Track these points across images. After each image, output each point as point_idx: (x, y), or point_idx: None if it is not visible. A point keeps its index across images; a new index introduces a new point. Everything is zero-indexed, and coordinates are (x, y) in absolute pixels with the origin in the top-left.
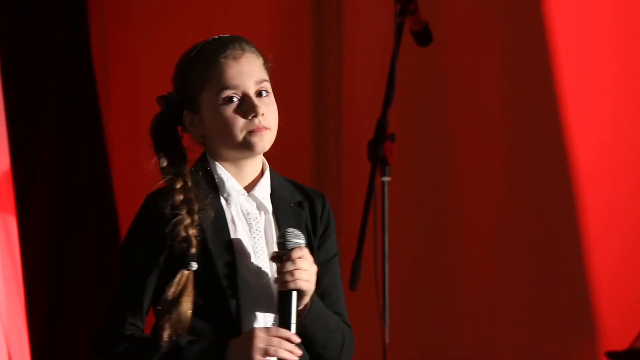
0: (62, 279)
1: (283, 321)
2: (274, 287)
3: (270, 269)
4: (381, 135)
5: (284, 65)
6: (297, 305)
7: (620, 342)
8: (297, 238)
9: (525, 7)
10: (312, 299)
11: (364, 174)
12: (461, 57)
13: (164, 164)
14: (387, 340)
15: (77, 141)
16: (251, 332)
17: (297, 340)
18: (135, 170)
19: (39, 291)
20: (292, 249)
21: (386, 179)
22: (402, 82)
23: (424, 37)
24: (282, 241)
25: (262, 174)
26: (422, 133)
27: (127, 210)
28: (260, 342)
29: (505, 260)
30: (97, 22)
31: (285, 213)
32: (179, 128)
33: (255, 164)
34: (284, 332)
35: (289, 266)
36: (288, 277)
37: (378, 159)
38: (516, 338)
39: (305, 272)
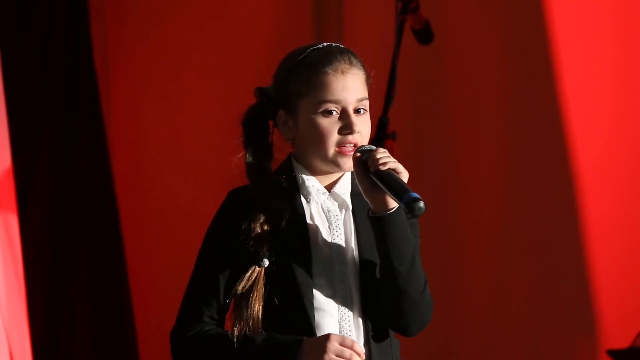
0: (62, 279)
1: (399, 188)
2: (350, 282)
3: (347, 265)
4: (382, 134)
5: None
6: None
7: (621, 341)
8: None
9: (526, 6)
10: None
11: None
12: (462, 55)
13: (250, 159)
14: None
15: (77, 141)
16: (326, 338)
17: (364, 358)
18: (135, 170)
19: (40, 290)
20: (374, 148)
21: None
22: (403, 81)
23: (425, 35)
24: (361, 149)
25: (343, 175)
26: (423, 131)
27: (127, 210)
28: (332, 350)
29: (506, 260)
30: (97, 22)
31: (363, 210)
32: (270, 123)
33: (340, 173)
34: (357, 346)
35: (382, 153)
36: (385, 158)
37: None
38: (517, 337)
39: (395, 160)
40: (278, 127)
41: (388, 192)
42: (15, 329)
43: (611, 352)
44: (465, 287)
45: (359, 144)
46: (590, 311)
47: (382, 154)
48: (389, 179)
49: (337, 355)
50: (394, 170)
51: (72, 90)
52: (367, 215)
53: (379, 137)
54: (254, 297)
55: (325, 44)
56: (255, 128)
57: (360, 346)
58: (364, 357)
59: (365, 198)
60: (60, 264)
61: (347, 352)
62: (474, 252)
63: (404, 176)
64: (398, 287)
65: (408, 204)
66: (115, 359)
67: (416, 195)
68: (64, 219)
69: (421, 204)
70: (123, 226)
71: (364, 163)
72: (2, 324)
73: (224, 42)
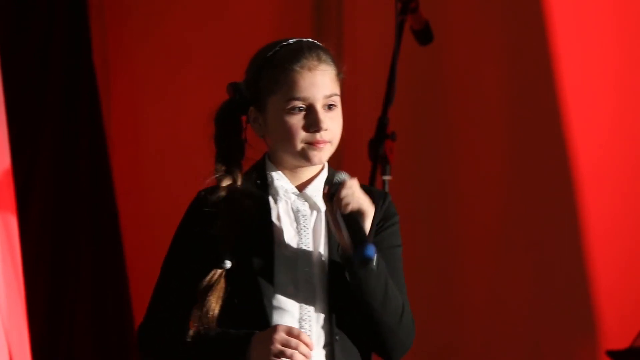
0: (62, 279)
1: (357, 239)
2: (315, 283)
3: (313, 265)
4: (382, 134)
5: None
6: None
7: (621, 341)
8: (343, 174)
9: (526, 7)
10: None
11: (364, 173)
12: (462, 56)
13: (220, 157)
14: None
15: (77, 141)
16: (273, 329)
17: (313, 348)
18: (135, 170)
19: (39, 291)
20: (342, 181)
21: (387, 177)
22: (402, 81)
23: (424, 35)
24: (331, 181)
25: (319, 173)
26: (423, 132)
27: (127, 210)
28: (279, 340)
29: (506, 260)
30: (97, 22)
31: None
32: (244, 118)
33: (314, 169)
34: (305, 336)
35: (346, 191)
36: (349, 198)
37: (379, 158)
38: (517, 337)
39: (362, 196)
40: (250, 123)
41: (347, 237)
42: (15, 329)
43: (611, 353)
44: (465, 287)
45: (328, 141)
46: (590, 311)
47: (347, 191)
48: (351, 224)
49: (283, 345)
50: (357, 210)
51: (72, 90)
52: (336, 251)
53: (379, 137)
54: (213, 297)
55: (295, 40)
56: (228, 124)
57: (307, 336)
58: (312, 347)
59: (334, 233)
60: (60, 264)
61: (294, 341)
62: (474, 252)
63: (370, 213)
64: (373, 319)
65: (361, 261)
66: (115, 359)
67: (369, 254)
68: (64, 219)
69: (371, 266)
70: (123, 226)
71: (331, 198)
72: (2, 324)
73: (224, 42)
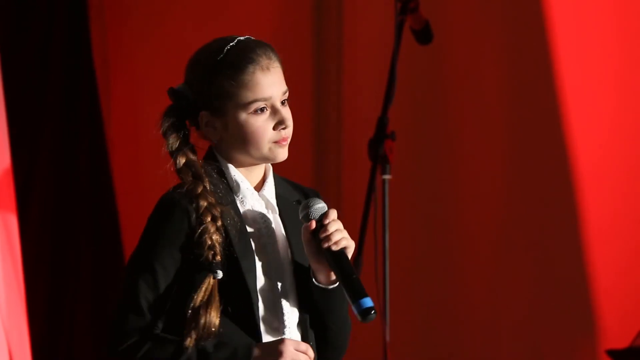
0: (62, 279)
1: (347, 279)
2: (287, 285)
3: (283, 268)
4: (381, 134)
5: (284, 64)
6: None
7: (621, 341)
8: (320, 203)
9: (525, 6)
10: None
11: (364, 172)
12: (461, 55)
13: (183, 165)
14: (387, 338)
15: (77, 141)
16: (281, 343)
17: None
18: (135, 170)
19: (39, 291)
20: (325, 213)
21: (387, 177)
22: (402, 81)
23: (424, 35)
24: (308, 211)
25: (265, 174)
26: (423, 131)
27: (127, 210)
28: (289, 355)
29: (506, 259)
30: (97, 22)
31: (288, 212)
32: (187, 122)
33: (262, 165)
34: (311, 351)
35: (335, 225)
36: (337, 236)
37: (378, 158)
38: (517, 336)
39: (345, 231)
40: (199, 128)
41: (340, 284)
42: (15, 329)
43: (610, 352)
44: (465, 287)
45: (289, 136)
46: (590, 311)
47: (334, 227)
48: (343, 270)
49: None
50: (345, 248)
51: (72, 90)
52: (310, 281)
53: (379, 136)
54: (213, 310)
55: (239, 39)
56: (180, 132)
57: (312, 350)
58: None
59: (309, 261)
60: (60, 264)
61: (303, 357)
62: (474, 251)
63: (351, 250)
64: (326, 339)
65: (361, 313)
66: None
67: (370, 304)
68: (64, 219)
69: (372, 315)
70: (123, 226)
71: (315, 232)
72: (2, 324)
73: None
